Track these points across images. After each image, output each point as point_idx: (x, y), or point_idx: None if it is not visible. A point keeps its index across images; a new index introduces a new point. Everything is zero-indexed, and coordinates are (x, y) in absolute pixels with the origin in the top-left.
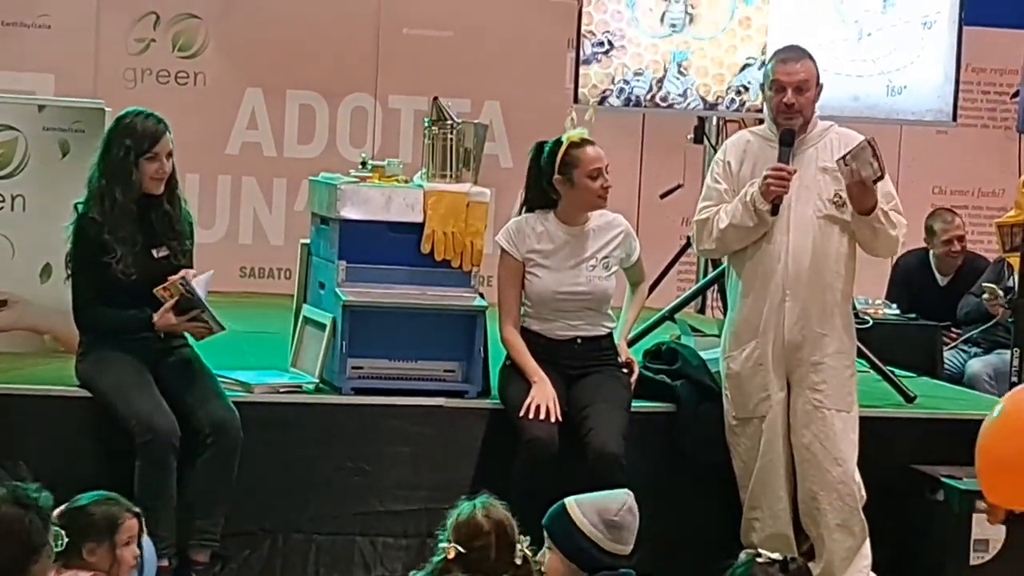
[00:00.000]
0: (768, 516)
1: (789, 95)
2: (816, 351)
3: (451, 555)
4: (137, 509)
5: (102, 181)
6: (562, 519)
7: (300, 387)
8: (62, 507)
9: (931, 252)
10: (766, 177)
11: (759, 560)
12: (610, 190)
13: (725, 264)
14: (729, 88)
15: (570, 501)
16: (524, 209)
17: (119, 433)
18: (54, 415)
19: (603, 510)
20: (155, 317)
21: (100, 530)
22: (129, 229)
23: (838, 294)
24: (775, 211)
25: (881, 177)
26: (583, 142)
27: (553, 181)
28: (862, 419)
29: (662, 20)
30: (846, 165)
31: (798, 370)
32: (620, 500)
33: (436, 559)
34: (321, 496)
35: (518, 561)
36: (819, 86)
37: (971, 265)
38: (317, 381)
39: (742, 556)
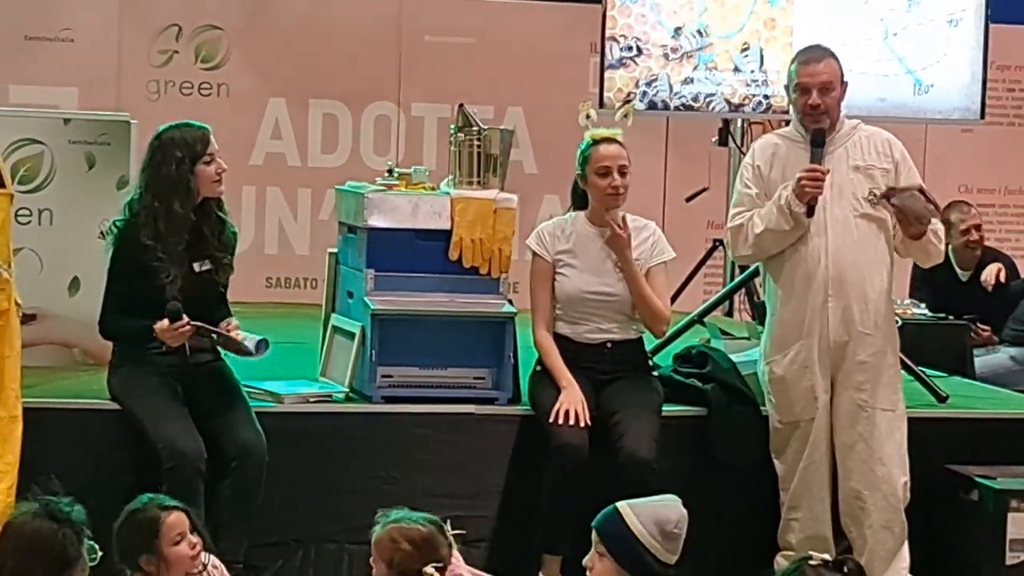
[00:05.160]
0: (808, 517)
1: (814, 96)
2: (860, 350)
3: None
4: (174, 503)
5: (154, 203)
6: (618, 526)
7: (330, 397)
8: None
9: (950, 247)
10: (800, 179)
11: (811, 563)
12: (622, 190)
13: (754, 268)
14: (759, 92)
15: (624, 507)
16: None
17: (148, 446)
18: (85, 429)
19: (663, 520)
20: (156, 326)
21: (145, 539)
22: (180, 246)
23: (880, 291)
24: (810, 212)
25: (938, 215)
26: (602, 140)
27: (577, 178)
28: None
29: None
30: (892, 204)
31: (842, 370)
32: (678, 510)
33: None
34: (353, 505)
35: None
36: (844, 84)
37: (991, 260)
38: (347, 390)
39: (779, 559)
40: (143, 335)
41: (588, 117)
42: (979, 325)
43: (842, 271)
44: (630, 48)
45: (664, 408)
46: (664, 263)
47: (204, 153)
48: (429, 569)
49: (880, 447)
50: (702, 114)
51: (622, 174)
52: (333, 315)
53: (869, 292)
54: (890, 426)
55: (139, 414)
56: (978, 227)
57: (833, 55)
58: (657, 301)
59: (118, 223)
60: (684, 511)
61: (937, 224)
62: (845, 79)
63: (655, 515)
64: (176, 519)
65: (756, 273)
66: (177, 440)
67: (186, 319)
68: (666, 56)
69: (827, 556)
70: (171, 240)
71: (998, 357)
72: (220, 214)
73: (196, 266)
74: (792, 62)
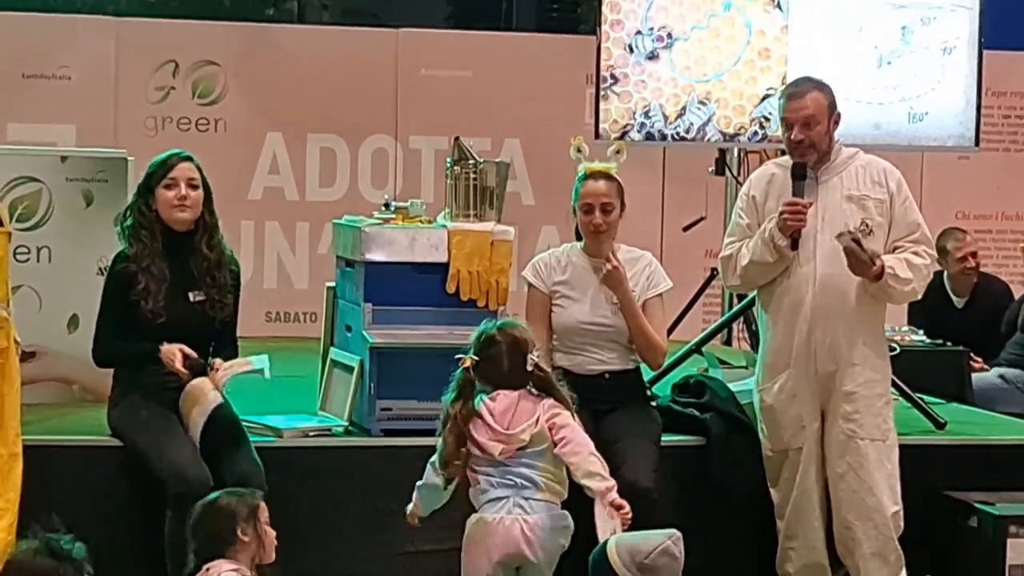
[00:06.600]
0: (804, 546)
1: (796, 132)
2: (848, 380)
3: (466, 363)
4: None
5: (128, 223)
6: (600, 557)
7: (329, 430)
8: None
9: (945, 273)
10: (782, 212)
11: None
12: (604, 228)
13: (752, 297)
14: (752, 120)
15: (612, 539)
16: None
17: (150, 482)
18: (85, 465)
19: (635, 551)
20: (163, 347)
21: (246, 513)
22: (159, 265)
23: (868, 322)
24: (795, 245)
25: (875, 263)
26: (591, 175)
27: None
28: None
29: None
30: (842, 244)
31: (832, 400)
32: (655, 542)
33: (457, 371)
34: (354, 538)
35: (529, 368)
36: (834, 115)
37: (986, 285)
38: (346, 424)
39: None
40: (144, 355)
41: (579, 151)
42: (972, 356)
43: (829, 301)
44: (622, 78)
45: (663, 438)
46: (660, 295)
47: (164, 176)
48: (534, 356)
49: (869, 477)
50: (698, 144)
51: (605, 211)
52: (332, 349)
53: (857, 322)
54: (879, 456)
55: (142, 445)
56: (974, 255)
57: (821, 88)
58: (654, 335)
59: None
60: (669, 544)
61: (904, 266)
62: (836, 110)
63: (631, 546)
64: (264, 505)
65: (755, 302)
66: (183, 466)
67: (185, 372)
68: (661, 88)
69: None
70: (153, 264)
71: (987, 376)
72: (207, 250)
73: (191, 296)
74: (780, 95)
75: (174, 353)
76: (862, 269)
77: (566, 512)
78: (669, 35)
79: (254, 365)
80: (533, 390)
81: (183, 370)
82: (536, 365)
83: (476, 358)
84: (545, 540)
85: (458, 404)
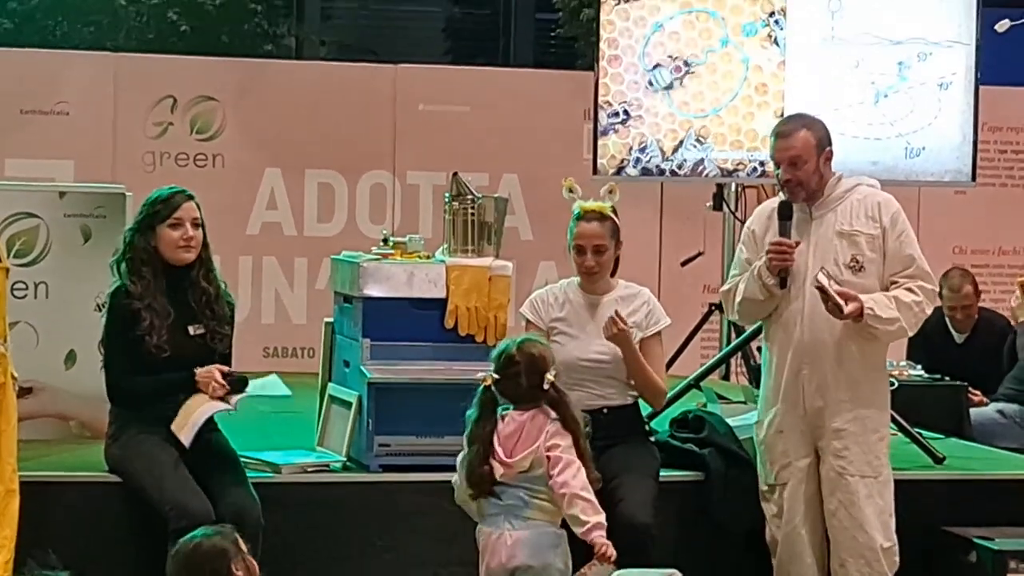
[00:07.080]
0: None
1: (783, 171)
2: (836, 417)
3: (487, 382)
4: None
5: (128, 258)
6: None
7: (328, 466)
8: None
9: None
10: (768, 252)
11: None
12: (597, 269)
13: (751, 332)
14: (752, 158)
15: None
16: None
17: (147, 518)
18: (82, 501)
19: None
20: (199, 370)
21: (233, 549)
22: (161, 301)
23: (858, 358)
24: (783, 284)
25: (842, 309)
26: (584, 215)
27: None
28: None
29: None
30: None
31: (823, 437)
32: None
33: (478, 389)
34: (352, 574)
35: (546, 386)
36: (824, 153)
37: (987, 322)
38: (344, 460)
39: None
40: (175, 385)
41: (571, 191)
42: (971, 390)
43: (817, 337)
44: (617, 114)
45: (661, 473)
46: (659, 332)
47: (169, 216)
48: (551, 375)
49: (859, 513)
50: (693, 180)
51: (597, 252)
52: (330, 384)
53: (845, 359)
54: (870, 492)
55: (142, 480)
56: (964, 307)
57: (810, 126)
58: (656, 378)
59: (112, 289)
60: None
61: (889, 306)
62: (828, 147)
63: None
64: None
65: (752, 336)
66: (185, 500)
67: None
68: (659, 123)
69: None
70: (155, 300)
71: (986, 412)
72: (205, 283)
73: (190, 329)
74: (771, 133)
75: (211, 373)
76: (834, 312)
77: (559, 531)
78: (686, 63)
79: (268, 391)
80: (544, 405)
81: (222, 382)
82: (552, 385)
83: (496, 376)
84: (530, 554)
85: (482, 423)
